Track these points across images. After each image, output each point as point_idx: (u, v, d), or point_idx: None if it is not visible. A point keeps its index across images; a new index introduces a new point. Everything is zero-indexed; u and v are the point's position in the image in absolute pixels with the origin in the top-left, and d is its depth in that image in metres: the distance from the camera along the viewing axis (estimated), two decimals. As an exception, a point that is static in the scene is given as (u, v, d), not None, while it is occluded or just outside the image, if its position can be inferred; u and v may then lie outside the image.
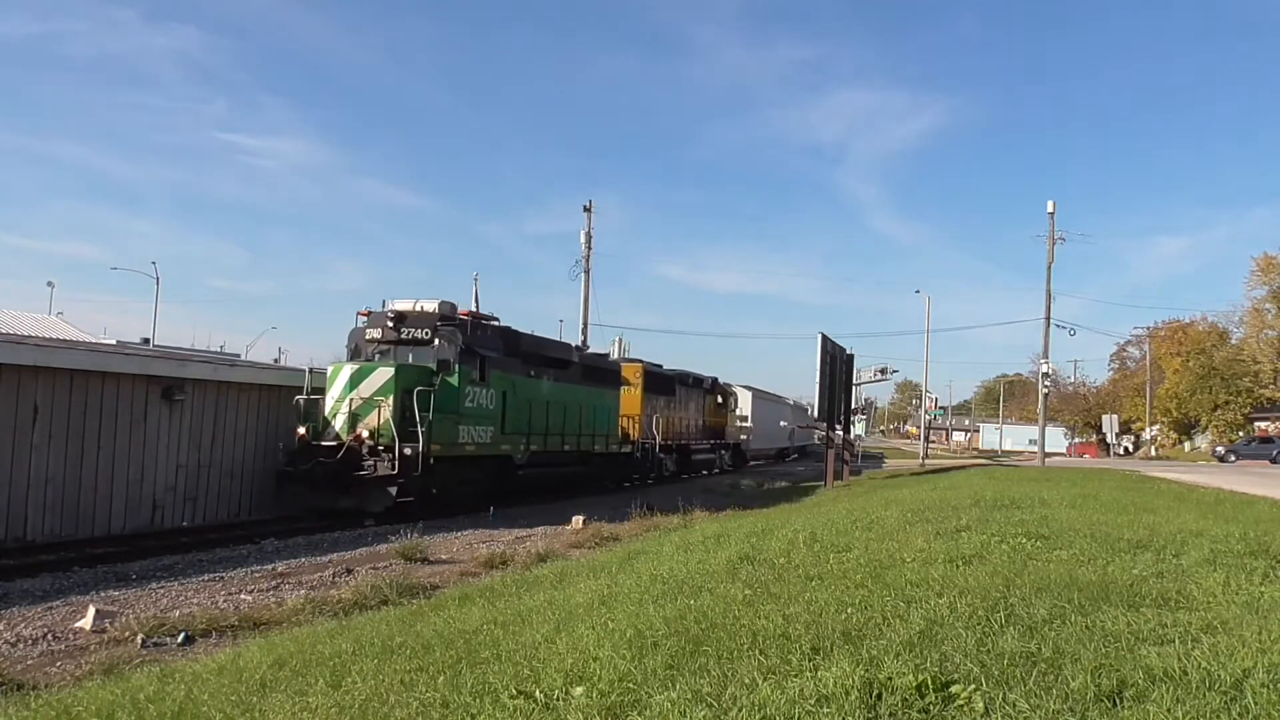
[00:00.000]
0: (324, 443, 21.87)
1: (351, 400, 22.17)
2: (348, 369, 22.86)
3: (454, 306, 24.83)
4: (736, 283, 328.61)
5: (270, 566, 15.62)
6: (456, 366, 23.62)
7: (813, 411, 70.55)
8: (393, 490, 21.35)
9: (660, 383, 40.71)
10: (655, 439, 38.47)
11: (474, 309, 36.32)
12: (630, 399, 36.83)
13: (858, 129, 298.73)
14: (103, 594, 13.02)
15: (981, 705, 4.59)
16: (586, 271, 51.00)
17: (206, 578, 14.56)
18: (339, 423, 22.20)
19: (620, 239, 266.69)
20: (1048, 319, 55.95)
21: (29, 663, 9.88)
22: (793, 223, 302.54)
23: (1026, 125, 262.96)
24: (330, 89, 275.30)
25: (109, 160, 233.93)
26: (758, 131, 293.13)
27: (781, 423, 71.37)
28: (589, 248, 51.36)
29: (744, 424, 55.97)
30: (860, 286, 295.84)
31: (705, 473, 46.88)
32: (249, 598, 13.34)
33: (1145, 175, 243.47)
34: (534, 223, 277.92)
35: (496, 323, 27.09)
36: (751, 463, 59.26)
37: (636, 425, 37.02)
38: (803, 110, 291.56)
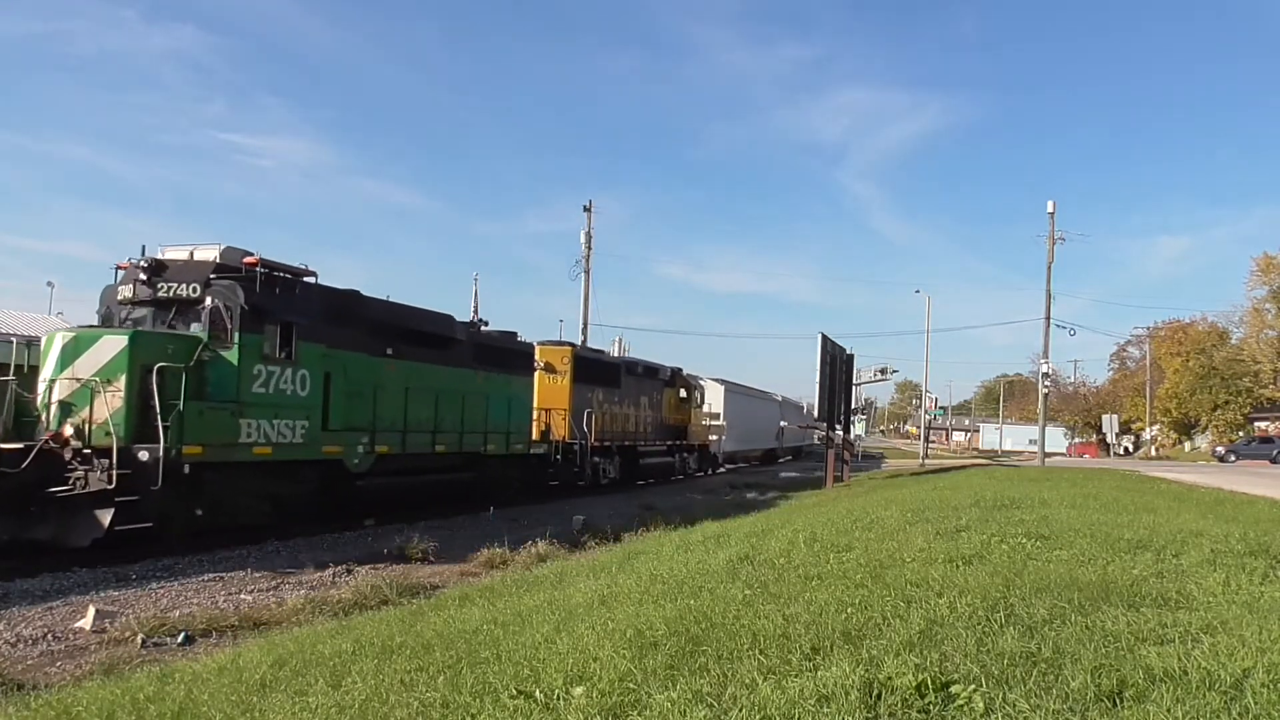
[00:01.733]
0: (4, 446, 15.04)
1: (61, 383, 15.94)
2: (60, 339, 16.49)
3: (243, 254, 18.12)
4: (737, 282, 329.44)
5: (270, 567, 15.61)
6: (237, 336, 17.11)
7: (809, 410, 70.57)
8: (106, 515, 14.88)
9: (597, 371, 34.95)
10: (588, 438, 32.34)
11: (475, 308, 36.45)
12: (553, 389, 31.90)
13: (858, 129, 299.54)
14: (102, 594, 13.01)
15: (981, 705, 4.60)
16: (586, 271, 51.06)
17: (206, 578, 14.55)
18: (50, 416, 15.92)
19: (621, 239, 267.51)
20: (1048, 319, 55.91)
21: (29, 663, 9.88)
22: (793, 223, 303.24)
23: (1027, 125, 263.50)
24: (330, 89, 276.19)
25: (108, 160, 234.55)
26: (758, 131, 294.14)
27: (769, 421, 67.55)
28: (589, 248, 51.43)
29: (715, 423, 50.24)
30: (860, 286, 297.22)
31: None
32: (249, 598, 13.34)
33: (1145, 175, 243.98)
34: (534, 223, 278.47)
35: (313, 279, 20.02)
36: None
37: (563, 421, 31.66)
38: (803, 110, 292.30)
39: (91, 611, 11.40)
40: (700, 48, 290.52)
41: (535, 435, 29.54)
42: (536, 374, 30.71)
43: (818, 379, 36.00)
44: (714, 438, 49.46)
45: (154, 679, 7.68)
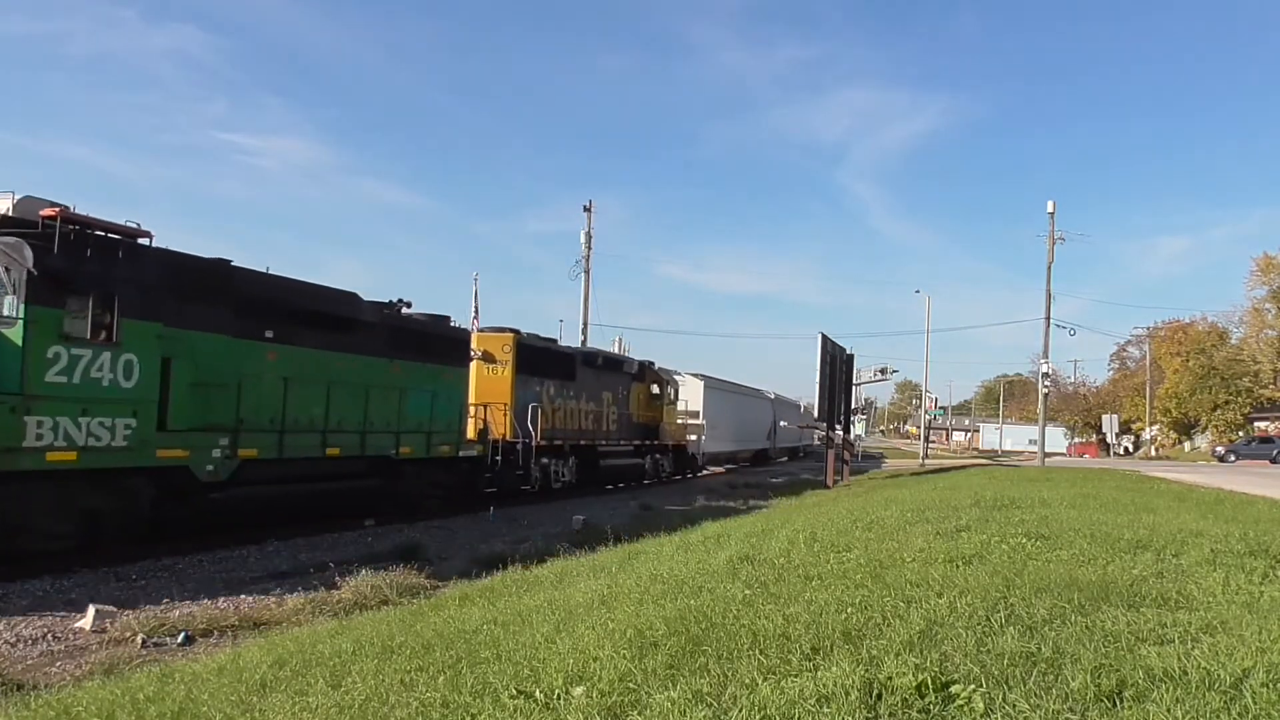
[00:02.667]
0: None
1: None
2: None
3: (44, 205, 14.37)
4: (737, 283, 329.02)
5: (271, 566, 15.62)
6: (23, 309, 13.45)
7: (807, 409, 70.50)
8: None
9: (547, 361, 30.76)
10: (533, 437, 28.01)
11: (475, 307, 36.32)
12: (493, 382, 27.65)
13: (858, 129, 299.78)
14: (103, 594, 13.01)
15: (981, 705, 4.60)
16: (586, 271, 51.06)
17: (206, 578, 14.56)
18: None
19: (621, 239, 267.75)
20: (1048, 319, 55.99)
21: (29, 663, 9.88)
22: (793, 222, 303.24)
23: (1027, 125, 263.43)
24: (330, 88, 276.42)
25: (109, 160, 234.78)
26: (758, 131, 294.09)
27: (759, 420, 63.34)
28: (589, 248, 51.44)
29: (693, 421, 46.14)
30: (860, 286, 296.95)
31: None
32: (249, 598, 13.33)
33: (1146, 175, 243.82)
34: (534, 223, 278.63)
35: (148, 240, 15.75)
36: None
37: (504, 418, 27.06)
38: (803, 110, 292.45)
39: (91, 611, 11.40)
40: (700, 47, 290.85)
41: (472, 434, 25.70)
42: (475, 364, 26.94)
43: (818, 379, 36.02)
44: (692, 437, 45.64)
45: (154, 679, 7.69)
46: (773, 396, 68.26)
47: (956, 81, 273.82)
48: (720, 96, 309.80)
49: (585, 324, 50.49)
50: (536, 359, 29.87)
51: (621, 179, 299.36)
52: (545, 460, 29.55)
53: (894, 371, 62.60)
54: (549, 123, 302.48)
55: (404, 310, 22.86)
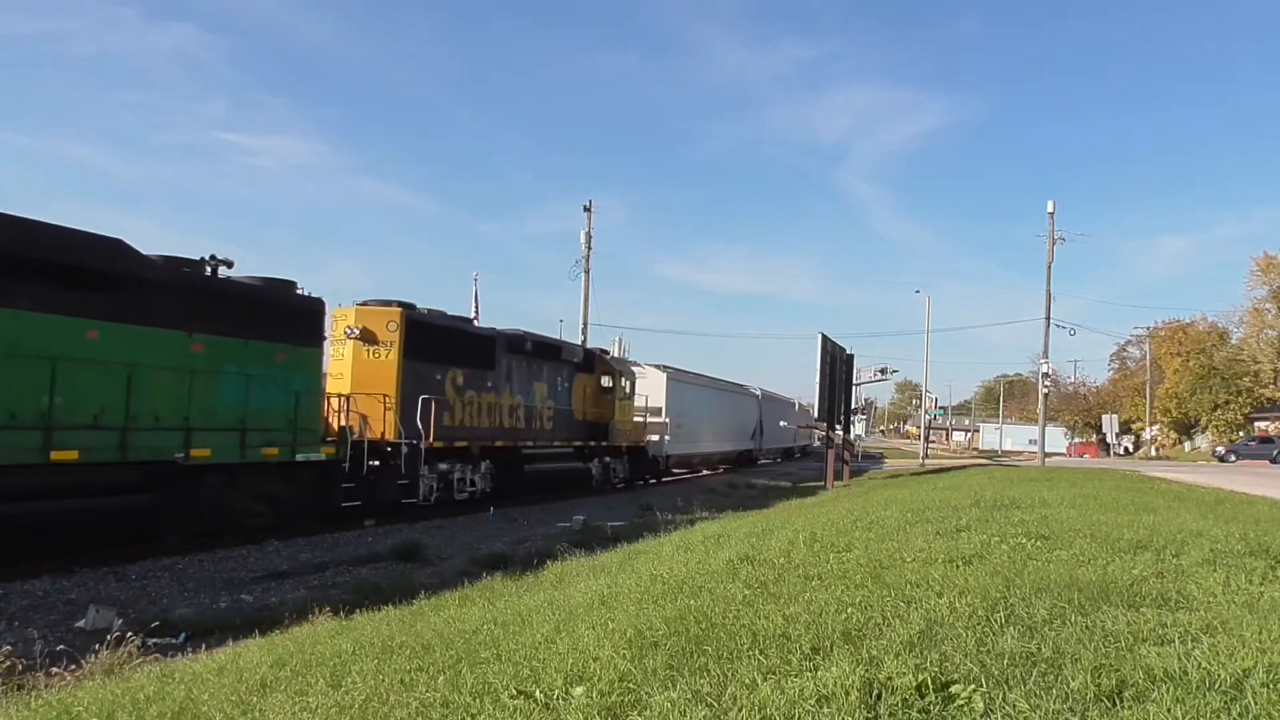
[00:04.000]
0: None
1: None
2: None
3: None
4: (737, 282, 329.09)
5: (271, 566, 15.64)
6: None
7: (801, 408, 70.38)
8: None
9: (450, 344, 25.24)
10: (424, 437, 22.80)
11: (475, 307, 35.82)
12: (372, 367, 22.58)
13: (859, 128, 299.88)
14: (103, 594, 13.02)
15: (981, 705, 4.60)
16: (587, 271, 51.09)
17: (207, 578, 14.58)
18: None
19: (621, 239, 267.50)
20: (1048, 319, 56.02)
21: (29, 662, 9.89)
22: (794, 222, 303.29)
23: (1028, 124, 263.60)
24: (330, 88, 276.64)
25: (109, 159, 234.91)
26: (759, 131, 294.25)
27: (741, 419, 57.30)
28: (589, 247, 51.48)
29: (654, 419, 40.16)
30: (861, 286, 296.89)
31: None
32: (249, 597, 13.36)
33: (1147, 174, 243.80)
34: (534, 222, 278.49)
35: None
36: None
37: (386, 414, 22.08)
38: (804, 109, 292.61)
39: (92, 611, 11.40)
40: (701, 46, 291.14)
41: (336, 432, 20.89)
42: (351, 346, 22.62)
43: (818, 379, 36.00)
44: (654, 437, 40.08)
45: (154, 679, 7.69)
46: (758, 393, 62.66)
47: (958, 81, 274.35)
48: (721, 96, 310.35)
49: (585, 324, 50.53)
50: (435, 341, 24.46)
51: (622, 179, 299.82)
52: (446, 466, 24.35)
53: (894, 371, 62.54)
54: (549, 122, 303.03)
55: (222, 271, 17.97)
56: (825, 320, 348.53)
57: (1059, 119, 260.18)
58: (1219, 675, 4.92)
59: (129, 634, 10.56)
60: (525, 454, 28.78)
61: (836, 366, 39.51)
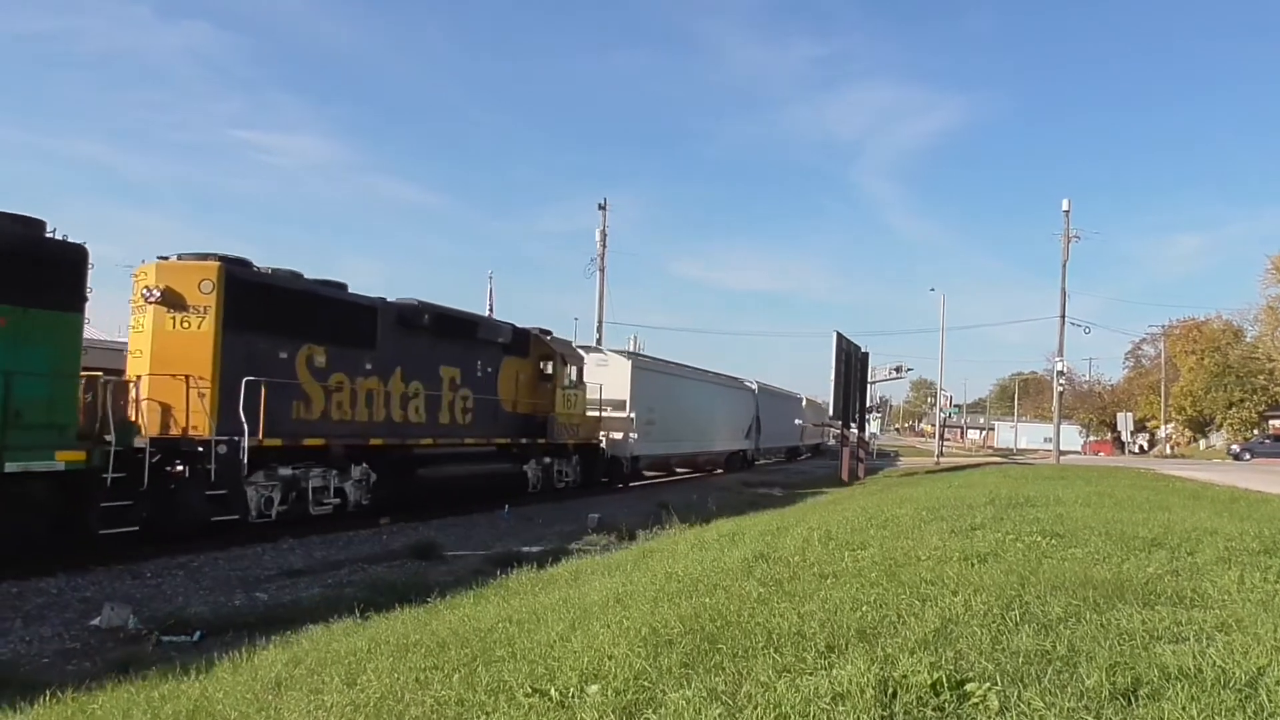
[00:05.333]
0: None
1: None
2: None
3: None
4: (752, 280, 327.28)
5: (286, 564, 15.66)
6: None
7: (809, 402, 70.38)
8: None
9: (299, 313, 19.80)
10: (246, 434, 17.44)
11: (489, 305, 34.83)
12: (178, 341, 17.31)
13: (874, 126, 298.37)
14: (118, 592, 13.06)
15: (996, 703, 4.60)
16: (601, 269, 51.24)
17: (222, 576, 14.61)
18: None
19: (635, 237, 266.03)
20: (1063, 317, 55.99)
21: (44, 661, 9.92)
22: (808, 220, 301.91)
23: (1043, 122, 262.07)
24: (344, 86, 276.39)
25: (122, 157, 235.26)
26: (773, 128, 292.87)
27: (734, 415, 51.16)
28: (603, 245, 51.62)
29: (616, 414, 34.51)
30: (875, 284, 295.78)
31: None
32: (264, 595, 13.38)
33: (1161, 172, 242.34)
34: (548, 220, 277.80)
35: None
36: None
37: (199, 403, 17.11)
38: (819, 107, 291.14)
39: (107, 609, 11.43)
40: (715, 44, 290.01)
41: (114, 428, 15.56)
42: (152, 312, 17.44)
43: (833, 377, 36.01)
44: (616, 435, 34.64)
45: (169, 677, 7.71)
46: (754, 386, 56.30)
47: (973, 78, 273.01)
48: (736, 94, 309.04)
49: (600, 322, 50.61)
50: (279, 309, 19.23)
51: (636, 177, 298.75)
52: (293, 471, 19.38)
53: (909, 369, 62.60)
54: (564, 120, 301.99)
55: None
56: (840, 318, 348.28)
57: (1073, 117, 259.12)
58: (1234, 673, 4.92)
59: (144, 632, 10.63)
60: (418, 455, 23.17)
61: (851, 365, 39.52)
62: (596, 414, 32.92)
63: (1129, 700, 4.65)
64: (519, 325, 28.69)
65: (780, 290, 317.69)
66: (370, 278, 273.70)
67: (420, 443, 23.26)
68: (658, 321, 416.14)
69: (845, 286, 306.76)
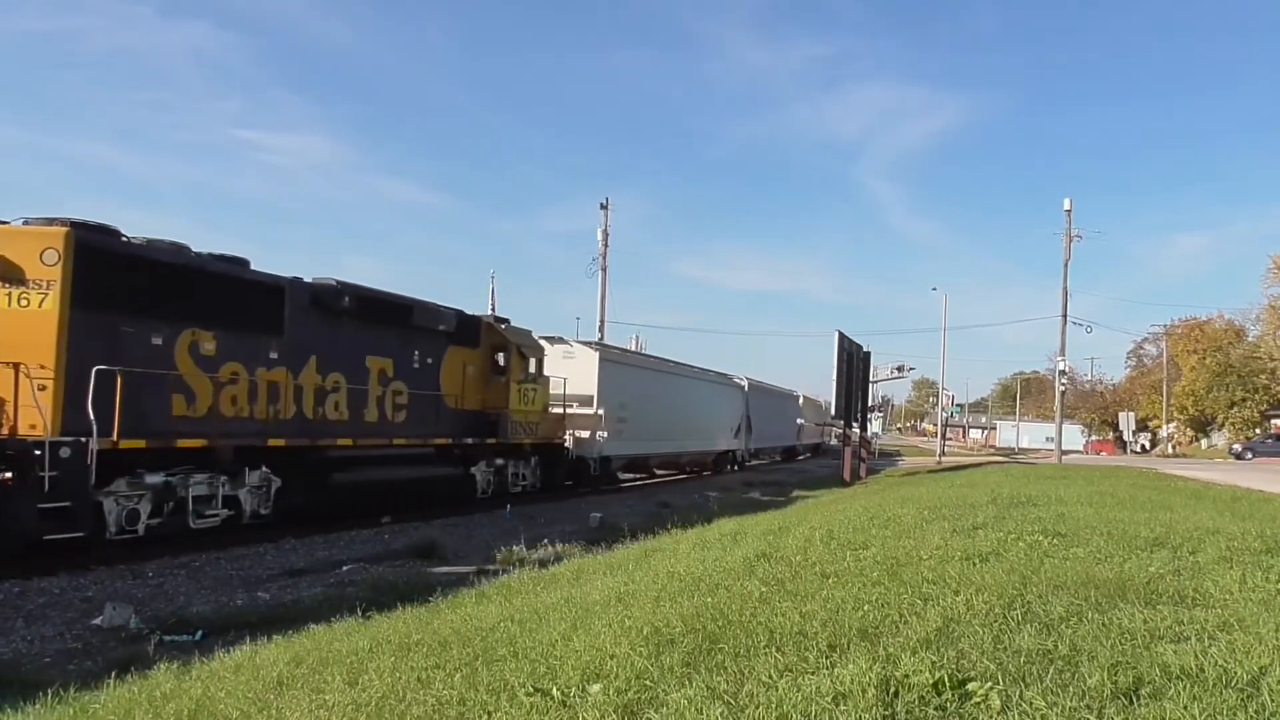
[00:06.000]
0: None
1: None
2: None
3: None
4: (753, 280, 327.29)
5: (288, 564, 15.67)
6: None
7: (807, 401, 70.34)
8: None
9: (179, 292, 16.73)
10: (94, 436, 14.41)
11: (492, 304, 34.44)
12: (12, 322, 14.47)
13: (875, 126, 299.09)
14: (119, 591, 13.06)
15: (998, 702, 4.59)
16: (603, 269, 51.16)
17: (223, 576, 14.62)
18: None
19: (637, 237, 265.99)
20: (1064, 317, 55.92)
21: (46, 660, 9.94)
22: (810, 220, 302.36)
23: (1044, 121, 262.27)
24: (347, 85, 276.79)
25: (124, 157, 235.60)
26: (775, 128, 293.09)
27: (715, 413, 47.45)
28: (605, 245, 51.52)
29: (583, 411, 31.85)
30: (877, 284, 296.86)
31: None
32: (266, 595, 13.38)
33: (1163, 172, 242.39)
34: (551, 220, 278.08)
35: None
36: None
37: (36, 395, 14.16)
38: (820, 107, 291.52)
39: (109, 609, 11.43)
40: (718, 44, 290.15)
41: None
42: None
43: (835, 376, 36.01)
44: (582, 433, 31.92)
45: (171, 676, 7.70)
46: (744, 383, 53.35)
47: (974, 78, 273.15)
48: (738, 93, 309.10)
49: (602, 321, 50.55)
50: (150, 286, 16.30)
51: (638, 176, 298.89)
52: (164, 479, 16.31)
53: (911, 369, 62.30)
54: (566, 120, 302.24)
55: None
56: (842, 318, 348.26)
57: (1075, 116, 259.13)
58: (1236, 673, 4.92)
59: (145, 631, 10.64)
60: (338, 457, 20.48)
61: (853, 364, 39.50)
62: (560, 411, 30.27)
63: (1131, 700, 4.65)
64: (467, 312, 25.85)
65: (782, 290, 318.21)
66: (374, 276, 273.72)
67: (337, 443, 20.42)
68: (660, 321, 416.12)
69: (847, 286, 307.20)
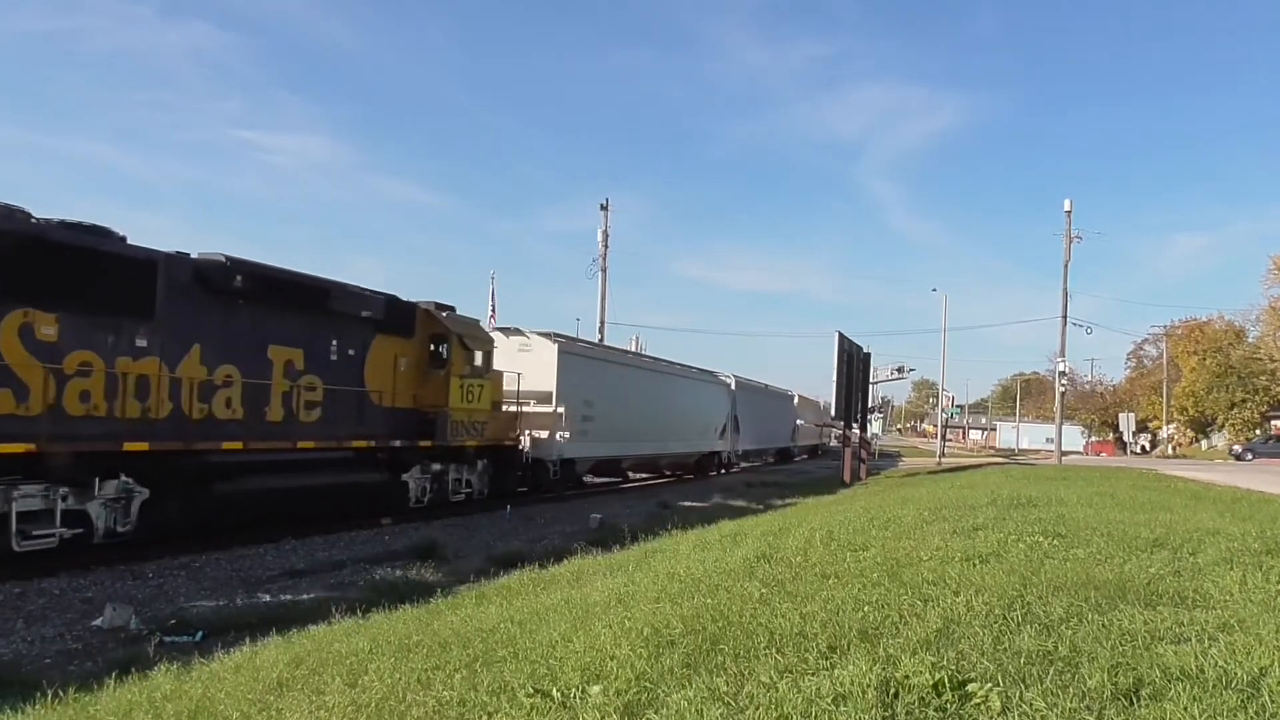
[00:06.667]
0: None
1: None
2: None
3: None
4: (753, 281, 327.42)
5: (288, 565, 15.66)
6: None
7: (801, 400, 70.28)
8: None
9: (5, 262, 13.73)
10: None
11: (492, 305, 33.99)
12: None
13: (875, 126, 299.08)
14: (119, 592, 13.07)
15: (998, 704, 4.60)
16: (603, 270, 51.06)
17: (223, 576, 14.62)
18: None
19: (638, 237, 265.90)
20: (1064, 318, 55.92)
21: (46, 661, 9.94)
22: (810, 221, 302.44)
23: (1045, 122, 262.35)
24: (347, 86, 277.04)
25: (125, 157, 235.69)
26: (776, 128, 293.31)
27: (693, 411, 43.52)
28: (605, 246, 51.45)
29: (539, 409, 28.75)
30: (877, 285, 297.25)
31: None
32: (266, 596, 13.39)
33: (1163, 172, 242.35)
34: (551, 220, 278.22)
35: None
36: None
37: None
38: (820, 107, 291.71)
39: (109, 609, 11.44)
40: (717, 44, 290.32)
41: None
42: None
43: (835, 377, 36.02)
44: (541, 434, 28.86)
45: (171, 677, 7.70)
46: (730, 380, 50.17)
47: (975, 78, 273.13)
48: (738, 94, 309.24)
49: (603, 322, 50.48)
50: None
51: (639, 177, 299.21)
52: None
53: (911, 370, 62.25)
54: (566, 120, 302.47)
55: None
56: (842, 319, 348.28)
57: (1075, 116, 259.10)
58: (1236, 674, 4.92)
59: (145, 632, 10.64)
60: (222, 463, 17.36)
61: (854, 365, 39.51)
62: (513, 409, 27.21)
63: (1131, 701, 4.65)
64: (402, 298, 22.82)
65: (782, 290, 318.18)
66: (375, 277, 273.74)
67: (221, 447, 17.24)
68: (660, 322, 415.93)
69: (847, 286, 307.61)
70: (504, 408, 26.51)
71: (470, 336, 24.79)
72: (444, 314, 24.08)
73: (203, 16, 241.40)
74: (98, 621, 11.34)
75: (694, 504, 25.49)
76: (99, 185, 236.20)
